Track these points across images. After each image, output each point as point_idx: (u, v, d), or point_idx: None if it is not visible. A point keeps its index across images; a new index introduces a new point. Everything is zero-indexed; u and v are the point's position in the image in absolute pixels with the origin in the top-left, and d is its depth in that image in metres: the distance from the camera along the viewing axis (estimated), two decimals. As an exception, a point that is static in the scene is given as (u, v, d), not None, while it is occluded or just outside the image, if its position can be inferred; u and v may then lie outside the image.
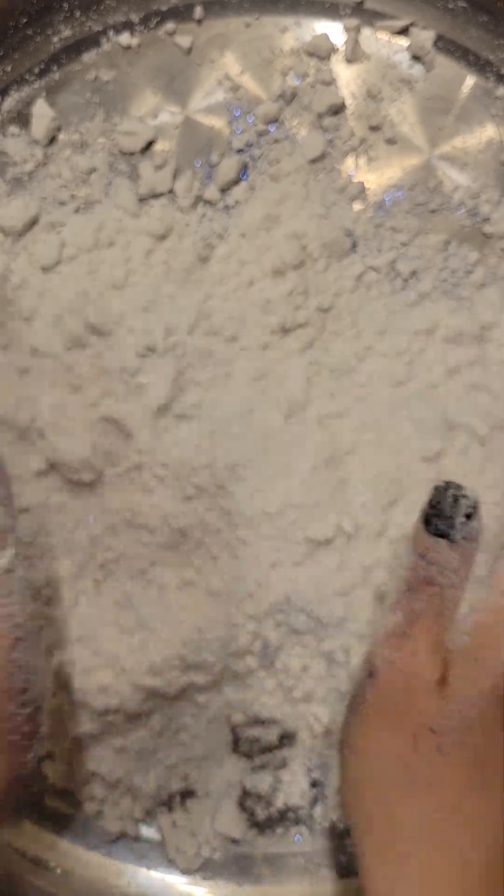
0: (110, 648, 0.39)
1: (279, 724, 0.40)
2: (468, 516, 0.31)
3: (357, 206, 0.42)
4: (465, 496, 0.31)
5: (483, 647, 0.31)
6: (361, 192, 0.42)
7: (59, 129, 0.43)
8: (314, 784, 0.41)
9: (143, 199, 0.42)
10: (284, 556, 0.39)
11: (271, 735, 0.40)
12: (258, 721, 0.40)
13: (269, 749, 0.40)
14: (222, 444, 0.39)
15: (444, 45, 0.42)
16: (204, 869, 0.42)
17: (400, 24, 0.42)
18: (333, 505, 0.39)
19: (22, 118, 0.43)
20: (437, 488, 0.32)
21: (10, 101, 0.43)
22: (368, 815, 0.32)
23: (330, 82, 0.42)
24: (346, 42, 0.42)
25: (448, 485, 0.32)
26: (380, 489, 0.39)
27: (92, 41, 0.43)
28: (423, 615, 0.31)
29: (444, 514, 0.31)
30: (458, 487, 0.31)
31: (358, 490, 0.39)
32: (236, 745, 0.41)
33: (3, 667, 0.29)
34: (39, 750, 0.32)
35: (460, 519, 0.31)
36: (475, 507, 0.31)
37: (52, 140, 0.43)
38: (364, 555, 0.39)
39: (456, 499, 0.31)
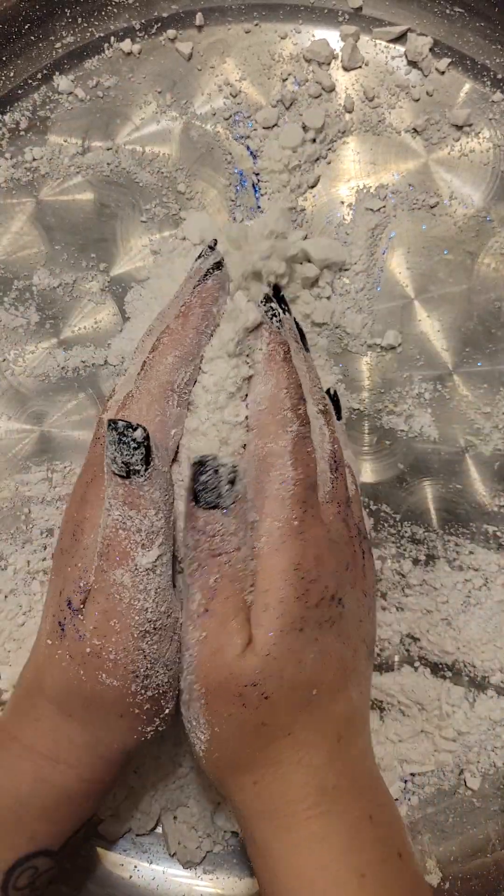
0: None
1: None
2: (231, 482, 0.32)
3: (355, 210, 0.43)
4: (222, 465, 0.31)
5: (267, 592, 0.32)
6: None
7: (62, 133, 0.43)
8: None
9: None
10: None
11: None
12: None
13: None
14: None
15: (441, 50, 0.43)
16: (205, 862, 0.42)
17: (397, 30, 0.43)
18: None
19: (27, 123, 0.43)
20: (194, 465, 0.32)
21: (15, 105, 0.43)
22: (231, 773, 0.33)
23: (329, 88, 0.43)
24: (344, 48, 0.43)
25: (204, 459, 0.31)
26: None
27: (94, 47, 0.44)
28: (219, 588, 0.32)
29: (209, 488, 0.31)
30: (214, 459, 0.31)
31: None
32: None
33: (130, 653, 0.32)
34: (161, 726, 0.34)
35: (225, 487, 0.31)
36: (235, 471, 0.32)
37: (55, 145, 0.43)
38: None
39: (216, 470, 0.31)
